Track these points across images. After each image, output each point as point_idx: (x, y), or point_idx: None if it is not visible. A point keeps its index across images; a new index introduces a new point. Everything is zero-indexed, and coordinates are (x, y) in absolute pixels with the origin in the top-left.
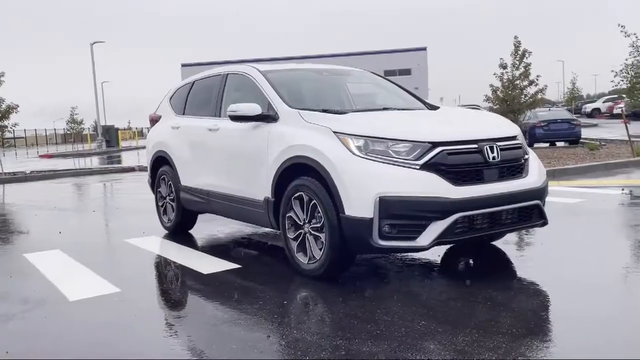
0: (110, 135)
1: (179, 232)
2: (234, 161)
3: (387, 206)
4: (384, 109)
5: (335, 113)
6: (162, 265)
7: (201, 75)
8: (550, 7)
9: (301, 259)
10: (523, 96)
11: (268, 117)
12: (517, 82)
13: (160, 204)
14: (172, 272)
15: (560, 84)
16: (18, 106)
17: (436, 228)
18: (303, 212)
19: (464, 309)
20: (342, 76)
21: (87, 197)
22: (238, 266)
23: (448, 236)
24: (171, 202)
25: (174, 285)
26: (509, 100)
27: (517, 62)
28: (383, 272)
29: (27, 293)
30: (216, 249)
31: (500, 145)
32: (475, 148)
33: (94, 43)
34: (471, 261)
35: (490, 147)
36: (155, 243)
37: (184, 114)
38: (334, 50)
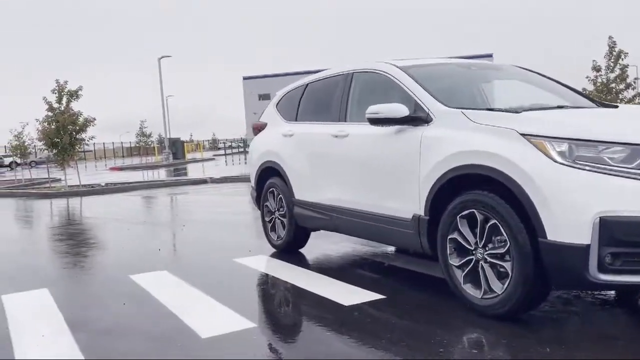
0: (176, 148)
1: (289, 251)
2: (369, 172)
3: (612, 230)
4: (559, 107)
5: (505, 112)
6: (291, 293)
7: (315, 77)
8: (623, 6)
9: (471, 292)
10: (619, 100)
11: (417, 119)
12: (613, 85)
13: (267, 219)
14: (308, 303)
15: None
16: (95, 119)
17: None
18: (474, 234)
19: None
20: (493, 71)
21: (171, 210)
22: (381, 296)
23: None
24: (281, 218)
25: (317, 321)
26: None
27: (612, 64)
28: (574, 310)
29: (149, 326)
30: (339, 272)
31: None
32: None
33: (162, 58)
34: None
35: None
36: (269, 264)
37: (296, 120)
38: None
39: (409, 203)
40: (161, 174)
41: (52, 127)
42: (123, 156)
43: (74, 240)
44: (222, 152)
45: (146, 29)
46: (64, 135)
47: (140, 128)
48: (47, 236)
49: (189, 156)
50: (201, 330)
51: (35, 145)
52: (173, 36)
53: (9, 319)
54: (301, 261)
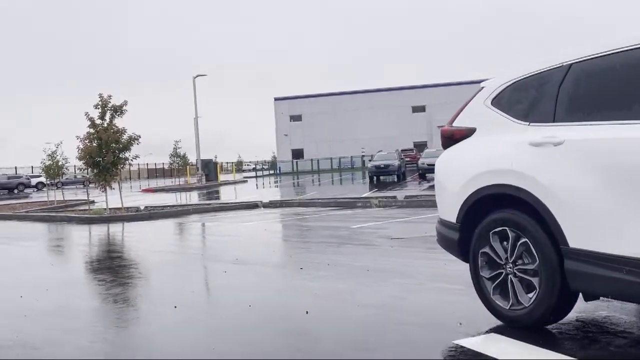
0: (209, 169)
1: (530, 326)
2: None
3: None
4: None
5: None
6: None
7: (585, 53)
8: None
9: None
10: None
11: None
12: None
13: (486, 275)
14: None
15: None
16: (140, 137)
17: None
18: None
19: None
20: None
21: (252, 243)
22: None
23: None
24: (523, 275)
25: None
26: None
27: None
28: None
29: None
30: None
31: None
32: None
33: (197, 76)
34: None
35: None
36: (523, 352)
37: (554, 120)
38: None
39: None
40: (201, 197)
41: (94, 144)
42: (147, 177)
43: (168, 287)
44: (252, 174)
45: (168, 49)
46: (106, 154)
47: (174, 148)
48: (124, 281)
49: (220, 178)
50: None
51: (66, 166)
52: (192, 55)
53: None
54: (560, 344)
